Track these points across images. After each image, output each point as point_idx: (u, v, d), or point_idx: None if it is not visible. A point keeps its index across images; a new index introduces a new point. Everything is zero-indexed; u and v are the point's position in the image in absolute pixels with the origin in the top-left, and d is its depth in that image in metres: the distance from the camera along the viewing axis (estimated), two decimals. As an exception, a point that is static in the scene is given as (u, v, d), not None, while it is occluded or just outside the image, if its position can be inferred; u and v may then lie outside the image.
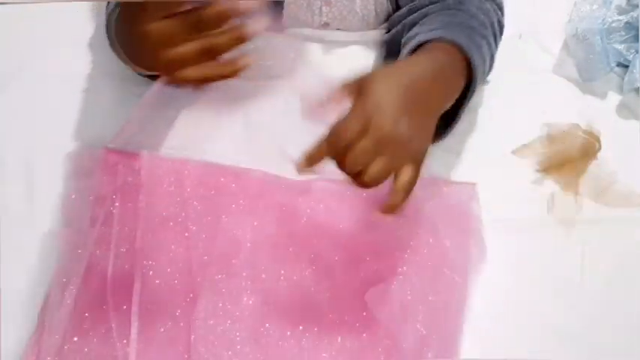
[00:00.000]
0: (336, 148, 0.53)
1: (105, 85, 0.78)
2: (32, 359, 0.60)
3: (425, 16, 0.73)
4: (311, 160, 0.55)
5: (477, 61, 0.67)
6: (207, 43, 0.53)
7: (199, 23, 0.52)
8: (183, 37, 0.53)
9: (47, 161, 0.72)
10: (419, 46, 0.67)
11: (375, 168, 0.54)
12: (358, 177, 0.54)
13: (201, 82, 0.56)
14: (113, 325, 0.61)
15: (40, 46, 0.82)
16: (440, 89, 0.64)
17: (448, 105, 0.66)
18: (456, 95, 0.66)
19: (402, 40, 0.75)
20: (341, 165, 0.54)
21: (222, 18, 0.52)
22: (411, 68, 0.62)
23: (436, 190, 0.70)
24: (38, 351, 0.60)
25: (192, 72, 0.55)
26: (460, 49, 0.66)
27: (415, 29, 0.73)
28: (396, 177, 0.56)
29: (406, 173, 0.55)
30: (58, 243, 0.66)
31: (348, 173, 0.55)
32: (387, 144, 0.54)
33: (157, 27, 0.54)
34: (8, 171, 0.72)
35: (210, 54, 0.55)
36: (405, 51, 0.70)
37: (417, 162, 0.57)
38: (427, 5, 0.74)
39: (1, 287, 0.65)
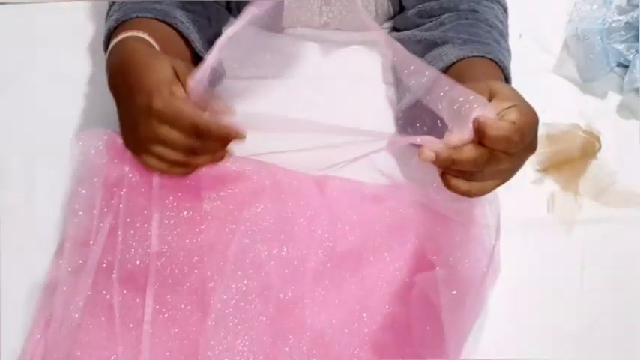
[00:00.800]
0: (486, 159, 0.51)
1: (105, 85, 0.78)
2: (33, 358, 0.60)
3: (442, 24, 0.73)
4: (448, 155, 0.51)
5: (510, 81, 0.69)
6: (188, 159, 0.55)
7: (198, 141, 0.53)
8: (174, 142, 0.54)
9: (47, 161, 0.72)
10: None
11: (479, 189, 0.53)
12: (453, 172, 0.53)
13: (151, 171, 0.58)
14: (118, 330, 0.60)
15: (40, 46, 0.82)
16: None
17: None
18: None
19: (416, 38, 0.75)
20: (461, 163, 0.51)
21: (220, 144, 0.54)
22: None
23: (443, 196, 0.70)
24: (44, 346, 0.60)
25: (155, 164, 0.56)
26: (503, 70, 0.67)
27: (436, 32, 0.72)
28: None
29: (489, 187, 0.55)
30: (63, 243, 0.65)
31: (453, 170, 0.53)
32: (512, 175, 0.54)
33: (161, 130, 0.53)
34: (8, 171, 0.72)
35: (181, 165, 0.56)
36: (439, 62, 0.69)
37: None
38: (438, 12, 0.75)
39: (1, 287, 0.65)
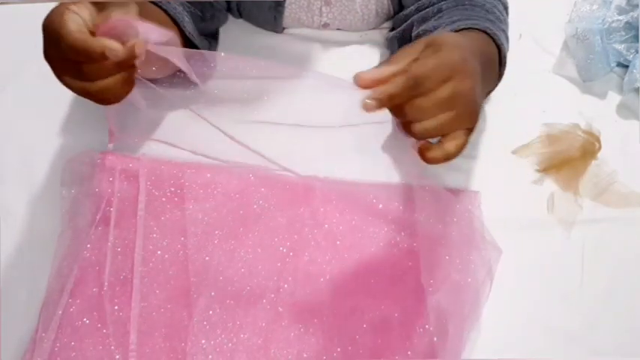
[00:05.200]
0: (411, 89, 0.49)
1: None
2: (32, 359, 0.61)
3: (439, 11, 0.73)
4: (376, 83, 0.50)
5: (504, 51, 0.67)
6: (85, 81, 0.53)
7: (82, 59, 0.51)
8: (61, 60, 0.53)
9: (47, 161, 0.72)
10: None
11: (434, 123, 0.50)
12: (408, 123, 0.51)
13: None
14: (110, 330, 0.61)
15: (40, 46, 0.82)
16: (490, 71, 0.64)
17: (488, 90, 0.66)
18: (494, 84, 0.67)
19: (414, 33, 0.74)
20: (400, 106, 0.50)
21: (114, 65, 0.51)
22: (476, 43, 0.61)
23: (438, 200, 0.70)
24: (34, 352, 0.60)
25: (68, 82, 0.54)
26: (493, 40, 0.65)
27: (432, 22, 0.72)
28: (447, 136, 0.53)
29: (460, 138, 0.52)
30: (57, 245, 0.66)
31: (402, 117, 0.51)
32: (459, 103, 0.51)
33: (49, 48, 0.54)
34: (8, 171, 0.72)
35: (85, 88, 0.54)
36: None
37: (470, 133, 0.54)
38: (436, 2, 0.74)
39: (1, 287, 0.65)
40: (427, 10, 0.75)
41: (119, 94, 0.53)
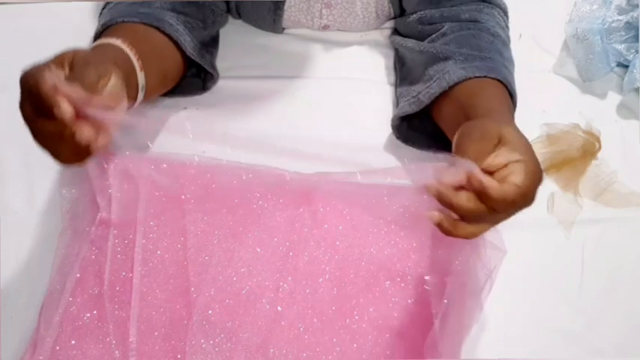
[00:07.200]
0: (484, 215, 0.51)
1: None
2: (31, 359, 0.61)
3: (443, 35, 0.73)
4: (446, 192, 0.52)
5: (515, 96, 0.68)
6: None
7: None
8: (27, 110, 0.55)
9: (47, 161, 0.72)
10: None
11: (479, 230, 0.54)
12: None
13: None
14: (111, 329, 0.61)
15: (40, 46, 0.82)
16: (512, 114, 0.66)
17: None
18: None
19: (420, 49, 0.74)
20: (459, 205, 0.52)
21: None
22: (510, 114, 0.64)
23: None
24: (34, 352, 0.60)
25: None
26: (507, 86, 0.67)
27: (438, 45, 0.72)
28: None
29: (485, 227, 0.55)
30: (58, 245, 0.66)
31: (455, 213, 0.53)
32: (506, 219, 0.54)
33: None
34: (8, 171, 0.72)
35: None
36: (442, 81, 0.68)
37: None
38: (439, 19, 0.74)
39: (1, 287, 0.65)
40: (430, 25, 0.75)
41: (78, 151, 0.54)
